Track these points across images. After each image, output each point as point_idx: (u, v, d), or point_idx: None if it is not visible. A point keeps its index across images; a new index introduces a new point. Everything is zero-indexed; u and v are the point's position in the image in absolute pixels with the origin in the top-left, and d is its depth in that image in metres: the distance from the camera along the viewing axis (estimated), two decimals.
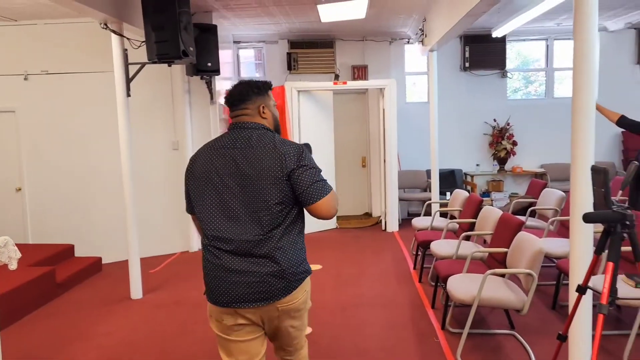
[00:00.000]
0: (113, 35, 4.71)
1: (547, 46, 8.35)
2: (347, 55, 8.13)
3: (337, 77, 7.95)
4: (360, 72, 8.12)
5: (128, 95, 4.85)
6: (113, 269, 5.93)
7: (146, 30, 4.55)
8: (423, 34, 7.02)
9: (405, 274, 5.37)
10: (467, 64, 8.10)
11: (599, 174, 1.99)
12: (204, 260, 2.03)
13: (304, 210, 2.03)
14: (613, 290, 1.97)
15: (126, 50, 4.83)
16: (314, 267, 5.67)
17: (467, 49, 8.05)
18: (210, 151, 2.02)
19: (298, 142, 2.11)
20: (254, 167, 1.94)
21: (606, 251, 2.04)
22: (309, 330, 3.86)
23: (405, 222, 7.69)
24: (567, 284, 2.66)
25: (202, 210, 2.00)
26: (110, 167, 6.07)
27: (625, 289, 3.28)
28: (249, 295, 1.93)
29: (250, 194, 1.93)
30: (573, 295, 2.25)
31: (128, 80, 4.86)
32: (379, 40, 8.12)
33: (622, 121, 4.61)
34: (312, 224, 7.38)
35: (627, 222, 1.96)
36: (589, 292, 2.15)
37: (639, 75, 8.03)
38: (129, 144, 4.82)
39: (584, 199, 2.28)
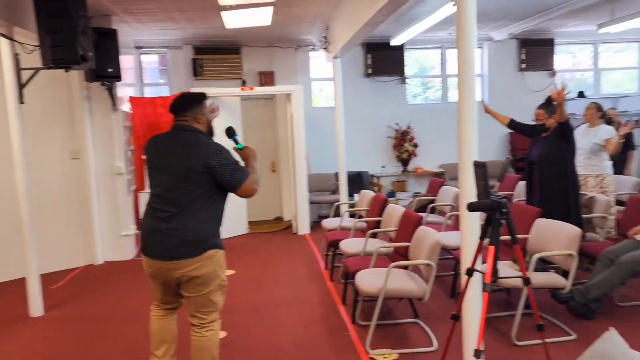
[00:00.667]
0: (2, 39, 4.45)
1: (442, 54, 8.95)
2: (254, 62, 8.21)
3: (244, 83, 7.99)
4: (267, 78, 8.22)
5: (21, 102, 4.59)
6: (10, 287, 5.55)
7: (40, 34, 4.34)
8: (327, 42, 7.27)
9: (316, 273, 5.52)
10: (369, 71, 8.47)
11: (480, 168, 2.23)
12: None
13: (221, 198, 2.64)
14: (495, 271, 2.21)
15: (17, 54, 4.58)
16: (227, 272, 5.66)
17: (369, 56, 8.43)
18: (157, 142, 2.69)
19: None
20: (184, 159, 2.54)
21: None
22: (223, 334, 3.88)
23: (315, 224, 7.88)
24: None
25: (150, 184, 2.69)
26: (3, 178, 5.68)
27: (512, 273, 3.65)
28: (161, 252, 2.56)
29: (177, 178, 2.54)
30: (464, 278, 2.49)
31: (21, 87, 4.60)
32: (285, 47, 8.27)
33: (512, 124, 5.08)
34: (224, 231, 7.34)
35: (504, 210, 2.21)
36: (477, 274, 2.39)
37: (522, 81, 8.83)
38: (23, 154, 4.56)
39: (469, 190, 2.53)
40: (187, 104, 2.66)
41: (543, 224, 3.99)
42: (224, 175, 2.52)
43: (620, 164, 6.46)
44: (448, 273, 5.02)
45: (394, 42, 7.75)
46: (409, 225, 4.22)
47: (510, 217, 2.27)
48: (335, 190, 8.23)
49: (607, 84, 9.51)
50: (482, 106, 5.12)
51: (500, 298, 4.46)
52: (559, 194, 4.43)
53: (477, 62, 8.88)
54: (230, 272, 5.69)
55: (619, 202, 5.50)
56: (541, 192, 4.53)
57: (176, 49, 7.98)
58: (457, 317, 2.56)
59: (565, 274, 3.68)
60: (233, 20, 6.31)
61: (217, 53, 7.99)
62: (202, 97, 2.73)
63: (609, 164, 5.38)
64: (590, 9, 6.88)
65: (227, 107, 7.59)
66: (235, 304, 4.62)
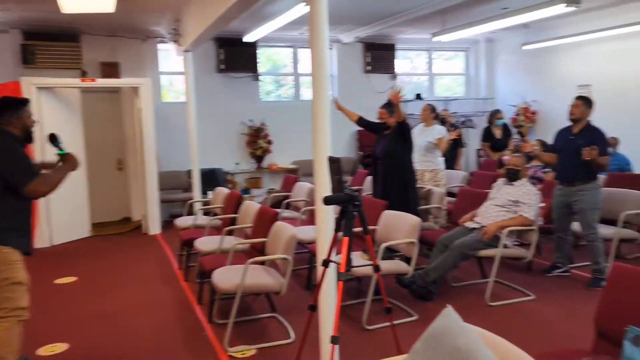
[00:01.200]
0: None
1: (294, 53, 9.16)
2: (96, 51, 7.61)
3: (84, 74, 7.37)
4: (111, 69, 7.67)
5: None
6: None
7: None
8: (177, 34, 7.00)
9: (170, 275, 5.31)
10: (222, 66, 8.36)
11: (334, 163, 2.33)
12: None
13: (15, 196, 2.78)
14: (349, 261, 2.33)
15: None
16: (66, 279, 5.19)
17: (221, 51, 8.31)
18: None
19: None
20: None
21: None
22: (64, 346, 3.57)
23: (167, 224, 7.57)
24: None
25: None
26: None
27: (363, 263, 3.87)
28: None
29: None
30: (320, 269, 2.59)
31: None
32: (131, 37, 7.80)
33: (360, 121, 5.36)
34: (58, 234, 6.72)
35: (356, 202, 2.34)
36: (332, 265, 2.50)
37: (367, 82, 9.39)
38: None
39: (323, 184, 2.63)
40: (4, 109, 2.86)
41: (389, 216, 4.30)
42: (6, 176, 2.74)
43: (451, 160, 7.22)
44: (304, 266, 5.16)
45: (247, 38, 7.75)
46: (265, 221, 4.26)
47: (362, 209, 2.41)
48: (187, 188, 7.98)
49: (440, 88, 10.55)
50: (335, 103, 5.35)
51: (351, 287, 4.71)
52: (398, 187, 4.80)
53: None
54: (70, 279, 5.22)
55: (450, 194, 6.13)
56: (383, 185, 4.87)
57: (1, 32, 7.07)
58: (314, 307, 2.65)
59: (408, 260, 4.00)
60: (70, 5, 5.76)
61: (52, 40, 7.25)
62: (22, 103, 2.95)
63: (441, 160, 5.98)
64: (425, 19, 7.56)
65: (65, 100, 6.94)
66: (78, 313, 4.26)
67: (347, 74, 9.26)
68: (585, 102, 4.54)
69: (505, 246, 4.23)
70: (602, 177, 5.95)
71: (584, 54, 8.53)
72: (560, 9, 5.31)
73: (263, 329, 3.87)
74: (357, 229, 4.00)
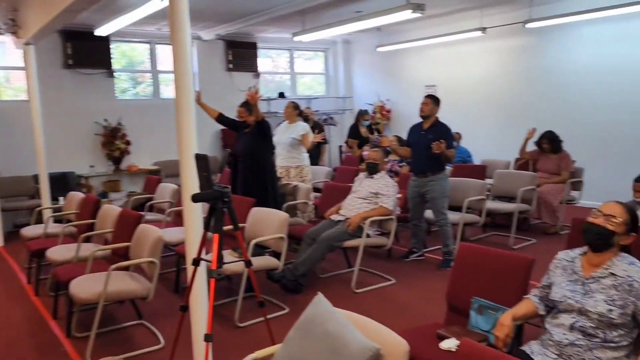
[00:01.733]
0: None
1: (151, 49, 8.76)
2: None
3: None
4: None
5: None
6: None
7: None
8: (15, 25, 6.32)
9: (17, 290, 4.80)
10: (70, 61, 7.72)
11: (201, 160, 2.30)
12: None
13: None
14: (220, 258, 2.32)
15: None
16: None
17: (69, 45, 7.67)
18: None
19: None
20: None
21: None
22: None
23: (12, 234, 6.81)
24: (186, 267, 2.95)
25: None
26: None
27: (233, 260, 3.85)
28: None
29: None
30: (191, 269, 2.54)
31: None
32: None
33: (220, 118, 5.30)
34: None
35: (225, 199, 2.34)
36: (203, 263, 2.46)
37: (230, 80, 9.31)
38: None
39: (191, 183, 2.58)
40: None
41: (257, 213, 4.33)
42: None
43: (315, 156, 7.46)
44: (171, 269, 4.99)
45: (99, 32, 7.24)
46: (127, 225, 4.04)
47: (231, 206, 2.41)
48: (34, 195, 7.25)
49: (302, 87, 10.83)
50: (196, 95, 5.22)
51: (222, 286, 4.66)
52: (259, 184, 4.85)
53: None
54: None
55: (316, 189, 6.35)
56: (244, 183, 4.89)
57: None
58: (185, 308, 2.58)
59: (277, 256, 4.07)
60: None
61: None
62: None
63: (306, 156, 6.15)
64: (286, 19, 7.71)
65: None
66: None
67: (209, 72, 9.10)
68: (433, 100, 4.98)
69: (368, 236, 4.49)
70: (448, 168, 6.60)
71: (429, 56, 9.35)
72: (407, 14, 5.74)
73: (130, 337, 3.67)
74: (226, 227, 3.98)
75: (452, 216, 5.23)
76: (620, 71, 6.91)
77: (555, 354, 2.10)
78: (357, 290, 4.40)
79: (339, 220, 4.62)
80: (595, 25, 7.10)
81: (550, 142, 6.16)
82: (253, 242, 3.88)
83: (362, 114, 8.33)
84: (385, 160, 7.02)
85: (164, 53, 8.87)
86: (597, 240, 2.13)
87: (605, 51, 7.06)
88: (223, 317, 3.97)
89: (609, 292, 2.05)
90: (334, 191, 5.30)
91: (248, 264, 2.66)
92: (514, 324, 2.26)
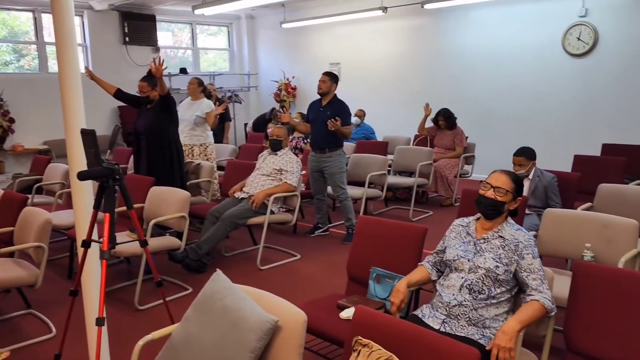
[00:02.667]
0: None
1: (35, 18, 8.04)
2: None
3: None
4: None
5: None
6: None
7: None
8: None
9: None
10: None
11: (88, 136, 2.16)
12: None
13: None
14: (112, 238, 2.21)
15: None
16: None
17: None
18: None
19: None
20: None
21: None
22: None
23: None
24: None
25: None
26: None
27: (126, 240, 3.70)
28: None
29: None
30: (81, 251, 2.39)
31: None
32: None
33: (118, 94, 5.00)
34: None
35: (117, 176, 2.22)
36: (94, 245, 2.33)
37: (126, 54, 8.81)
38: None
39: (79, 160, 2.42)
40: None
41: (156, 192, 4.18)
42: None
43: (219, 134, 7.31)
44: (63, 255, 4.70)
45: None
46: (11, 209, 3.73)
47: (123, 183, 2.29)
48: None
49: (206, 63, 10.51)
50: (87, 73, 4.91)
51: (122, 269, 4.47)
52: (163, 162, 4.68)
53: (78, 31, 8.40)
54: None
55: (220, 167, 6.23)
56: (147, 161, 4.70)
57: None
58: (75, 293, 2.44)
59: (180, 236, 3.96)
60: None
61: None
62: None
63: (210, 133, 6.00)
64: None
65: None
66: None
67: (102, 45, 8.54)
68: (331, 77, 5.04)
69: (272, 212, 4.49)
70: (351, 145, 6.75)
71: (334, 34, 9.43)
72: None
73: (16, 327, 3.42)
74: (120, 209, 3.81)
75: (355, 191, 5.37)
76: (505, 53, 7.40)
77: (444, 314, 2.24)
78: (262, 267, 4.41)
79: (243, 198, 4.58)
80: (482, 8, 7.53)
81: (445, 119, 6.49)
82: (152, 222, 3.74)
83: (275, 115, 8.11)
84: (291, 136, 7.05)
85: (51, 23, 8.18)
86: (489, 210, 2.31)
87: (491, 33, 7.52)
88: (123, 300, 3.81)
89: (497, 251, 2.23)
90: (238, 169, 5.23)
91: (143, 243, 2.56)
92: (409, 290, 2.39)
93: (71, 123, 2.55)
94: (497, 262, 2.21)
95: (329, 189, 5.26)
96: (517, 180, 2.35)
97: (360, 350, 1.67)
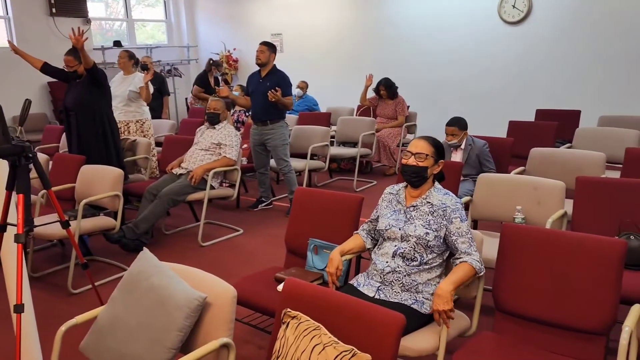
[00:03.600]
0: None
1: None
2: None
3: None
4: None
5: None
6: None
7: None
8: None
9: None
10: None
11: None
12: None
13: None
14: (28, 220, 2.08)
15: None
16: None
17: None
18: None
19: None
20: None
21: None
22: None
23: None
24: None
25: None
26: None
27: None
28: None
29: None
30: None
31: None
32: None
33: (45, 68, 4.69)
34: None
35: (29, 155, 2.08)
36: (10, 229, 2.19)
37: (54, 27, 8.30)
38: None
39: None
40: None
41: (88, 171, 3.99)
42: None
43: (157, 109, 7.05)
44: None
45: None
46: None
47: (38, 161, 2.15)
48: None
49: (144, 35, 10.06)
50: (10, 47, 4.60)
51: (56, 253, 4.29)
52: (96, 139, 4.48)
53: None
54: None
55: (159, 144, 6.02)
56: (79, 138, 4.48)
57: None
58: None
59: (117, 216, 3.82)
60: None
61: None
62: None
63: (146, 109, 5.77)
64: None
65: None
66: None
67: (26, 16, 7.99)
68: (269, 47, 4.91)
69: (212, 187, 4.40)
70: (294, 117, 6.68)
71: (274, 4, 9.21)
72: None
73: None
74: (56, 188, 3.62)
75: (298, 163, 5.33)
76: (443, 21, 7.45)
77: (378, 281, 2.26)
78: (203, 244, 4.32)
79: (181, 174, 4.45)
80: None
81: (386, 88, 6.50)
82: (83, 202, 3.58)
83: (216, 65, 7.88)
84: (232, 110, 6.90)
85: None
86: (412, 178, 2.31)
87: (429, 1, 7.53)
88: (56, 285, 3.66)
89: (426, 217, 2.25)
90: (176, 144, 5.07)
91: (65, 224, 2.43)
92: (344, 258, 2.39)
93: None
94: (426, 229, 2.23)
95: (272, 162, 5.19)
96: (436, 144, 2.36)
97: (289, 323, 1.65)
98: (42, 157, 4.40)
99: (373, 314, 1.56)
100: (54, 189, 4.02)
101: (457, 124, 4.10)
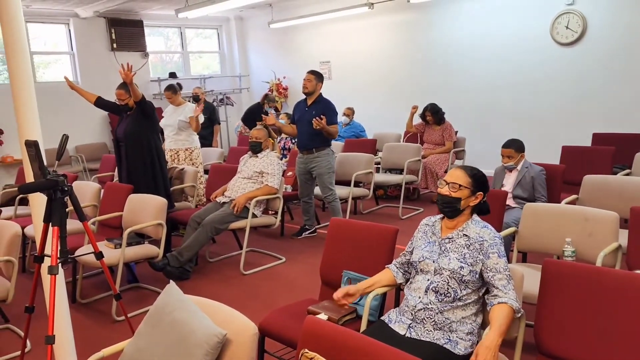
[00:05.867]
0: None
1: None
2: None
3: None
4: None
5: None
6: None
7: None
8: None
9: None
10: None
11: (32, 148, 2.09)
12: None
13: None
14: (64, 252, 2.14)
15: None
16: None
17: None
18: None
19: None
20: None
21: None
22: None
23: None
24: None
25: None
26: None
27: (108, 251, 3.65)
28: None
29: None
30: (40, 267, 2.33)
31: None
32: None
33: (98, 102, 4.95)
34: None
35: (65, 188, 2.15)
36: (46, 259, 2.27)
37: (114, 61, 8.76)
38: None
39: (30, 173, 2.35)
40: None
41: (134, 199, 4.11)
42: None
43: (209, 137, 7.24)
44: None
45: None
46: None
47: (73, 194, 2.22)
48: None
49: (200, 66, 10.44)
50: (67, 82, 4.87)
51: (104, 280, 4.41)
52: (144, 169, 4.62)
53: (64, 39, 8.36)
54: None
55: (208, 172, 6.15)
56: (128, 168, 4.65)
57: None
58: (31, 309, 2.38)
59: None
60: None
61: None
62: None
63: (196, 138, 5.92)
64: None
65: None
66: None
67: (89, 52, 8.49)
68: (316, 76, 4.95)
69: (255, 216, 4.42)
70: (340, 144, 6.67)
71: (322, 32, 9.34)
72: None
73: None
74: (102, 217, 3.75)
75: (342, 191, 5.29)
76: (493, 44, 7.28)
77: (410, 319, 2.16)
78: (245, 272, 4.33)
79: (224, 202, 4.51)
80: (467, 0, 7.41)
81: (432, 114, 6.39)
82: (128, 230, 3.68)
83: (270, 100, 7.97)
84: (279, 138, 6.98)
85: (35, 32, 8.16)
86: (445, 208, 2.22)
87: (478, 25, 7.39)
88: (101, 312, 3.76)
89: (462, 251, 2.15)
90: (222, 173, 5.16)
91: (98, 256, 2.49)
92: (374, 293, 2.31)
93: (26, 135, 2.48)
94: (461, 262, 2.12)
95: (317, 190, 5.18)
96: (475, 175, 2.26)
97: None
98: (94, 186, 4.59)
99: (392, 359, 1.47)
100: (103, 217, 4.20)
101: (514, 146, 3.98)
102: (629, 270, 2.11)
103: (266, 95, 7.68)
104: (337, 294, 2.24)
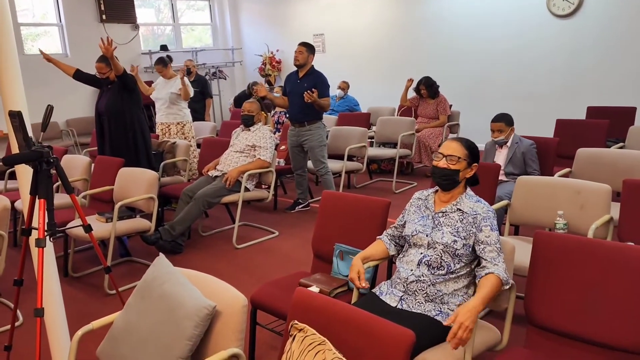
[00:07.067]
0: None
1: None
2: None
3: None
4: None
5: None
6: None
7: None
8: None
9: None
10: None
11: (15, 118, 2.04)
12: None
13: None
14: (51, 224, 2.11)
15: None
16: None
17: None
18: None
19: None
20: None
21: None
22: None
23: None
24: None
25: None
26: None
27: (100, 225, 3.63)
28: None
29: None
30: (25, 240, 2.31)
31: None
32: None
33: (77, 75, 4.85)
34: None
35: (50, 160, 2.11)
36: (33, 232, 2.24)
37: (104, 33, 8.57)
38: None
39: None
40: None
41: (125, 173, 4.07)
42: None
43: (200, 111, 7.16)
44: None
45: None
46: None
47: (60, 166, 2.18)
48: None
49: (192, 39, 10.25)
50: (42, 55, 4.77)
51: (95, 254, 4.40)
52: (127, 143, 4.56)
53: (53, 11, 8.17)
54: None
55: (200, 146, 6.09)
56: (111, 142, 4.58)
57: None
58: (20, 282, 2.37)
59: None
60: None
61: None
62: None
63: (188, 112, 5.85)
64: None
65: None
66: None
67: (78, 24, 8.29)
68: (308, 48, 4.87)
69: (247, 189, 4.39)
70: (333, 117, 6.61)
71: (317, 5, 9.17)
72: None
73: None
74: (94, 190, 3.70)
75: (335, 164, 5.26)
76: (489, 16, 7.17)
77: (402, 291, 2.16)
78: (238, 246, 4.33)
79: (217, 176, 4.48)
80: None
81: (427, 88, 6.33)
82: (119, 204, 3.65)
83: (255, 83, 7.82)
84: (273, 111, 6.91)
85: (24, 3, 7.97)
86: (443, 181, 2.20)
87: (476, 1, 7.29)
88: (93, 285, 3.75)
89: (455, 225, 2.13)
90: (214, 146, 5.11)
91: (87, 229, 2.47)
92: (367, 265, 2.30)
93: (10, 106, 2.42)
94: (455, 236, 2.11)
95: (310, 164, 5.14)
96: (470, 147, 2.24)
97: (295, 335, 1.59)
98: (84, 159, 4.54)
99: (382, 329, 1.47)
100: (94, 191, 4.16)
101: (504, 120, 3.94)
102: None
103: (254, 83, 7.59)
104: (356, 282, 2.17)
